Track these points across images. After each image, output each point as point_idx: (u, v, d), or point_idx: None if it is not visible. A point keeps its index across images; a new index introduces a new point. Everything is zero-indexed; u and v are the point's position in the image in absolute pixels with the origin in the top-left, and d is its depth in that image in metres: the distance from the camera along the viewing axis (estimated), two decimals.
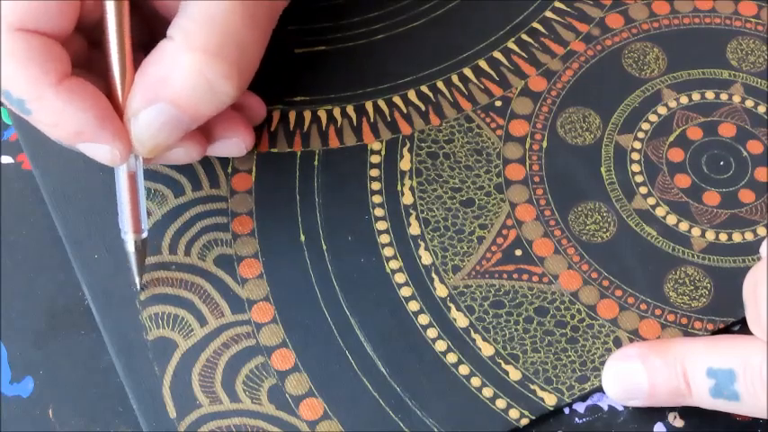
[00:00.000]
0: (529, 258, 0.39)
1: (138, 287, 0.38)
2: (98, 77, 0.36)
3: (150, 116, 0.35)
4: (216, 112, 0.36)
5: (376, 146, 0.41)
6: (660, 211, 0.40)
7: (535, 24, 0.44)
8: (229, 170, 0.41)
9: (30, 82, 0.34)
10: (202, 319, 0.38)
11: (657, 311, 0.38)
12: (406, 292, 0.38)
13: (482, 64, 0.43)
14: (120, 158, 0.35)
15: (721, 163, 0.41)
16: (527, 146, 0.42)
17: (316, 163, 0.41)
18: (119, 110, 0.35)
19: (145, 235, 0.38)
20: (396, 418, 0.36)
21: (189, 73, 0.34)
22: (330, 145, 0.41)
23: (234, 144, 0.39)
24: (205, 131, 0.38)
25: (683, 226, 0.40)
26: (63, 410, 0.37)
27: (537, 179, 0.41)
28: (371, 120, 0.42)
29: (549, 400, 0.37)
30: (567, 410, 0.37)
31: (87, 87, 0.35)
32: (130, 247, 0.37)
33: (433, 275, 0.39)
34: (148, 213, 0.40)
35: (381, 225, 0.40)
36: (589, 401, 0.37)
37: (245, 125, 0.39)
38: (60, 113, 0.34)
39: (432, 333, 0.38)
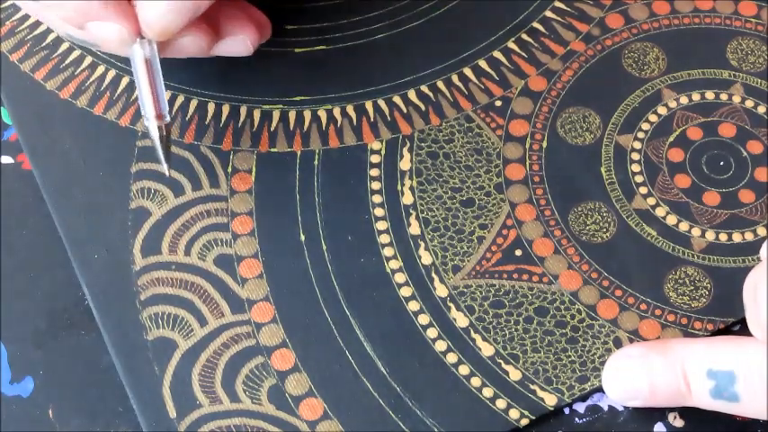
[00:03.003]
0: (529, 258, 0.39)
1: (168, 174, 0.39)
2: None
3: None
4: None
5: (376, 146, 0.41)
6: (660, 211, 0.40)
7: (535, 24, 0.44)
8: (229, 170, 0.41)
9: None
10: (202, 319, 0.38)
11: (657, 311, 0.38)
12: (406, 292, 0.38)
13: (482, 64, 0.43)
14: (130, 37, 0.36)
15: (721, 163, 0.41)
16: (527, 146, 0.42)
17: (316, 163, 0.41)
18: None
19: (167, 119, 0.38)
20: (396, 418, 0.36)
21: None
22: (330, 145, 0.41)
23: (241, 41, 0.39)
24: (214, 28, 0.39)
25: (683, 226, 0.40)
26: (63, 410, 0.37)
27: (537, 179, 0.41)
28: (371, 120, 0.42)
29: (549, 401, 0.37)
30: (567, 410, 0.37)
31: None
32: (154, 132, 0.38)
33: (433, 275, 0.39)
34: (148, 213, 0.40)
35: (381, 225, 0.40)
36: (589, 401, 0.37)
37: (252, 25, 0.40)
38: None
39: (432, 333, 0.38)
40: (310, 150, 0.41)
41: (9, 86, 0.42)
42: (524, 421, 0.36)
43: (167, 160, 0.38)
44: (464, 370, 0.37)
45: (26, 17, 0.44)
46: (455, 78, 0.43)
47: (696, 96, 0.43)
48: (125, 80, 0.43)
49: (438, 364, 0.37)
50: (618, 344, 0.38)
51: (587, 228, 0.40)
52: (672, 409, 0.37)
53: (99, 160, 0.41)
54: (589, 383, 0.37)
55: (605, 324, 0.38)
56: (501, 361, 0.37)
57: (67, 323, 0.38)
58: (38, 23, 0.44)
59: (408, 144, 0.42)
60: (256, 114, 0.42)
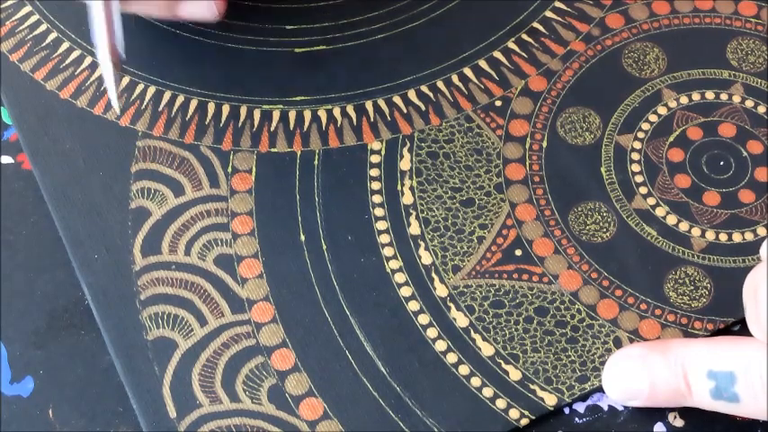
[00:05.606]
0: (529, 258, 0.39)
1: (118, 113, 0.41)
2: None
3: None
4: None
5: (376, 146, 0.41)
6: (660, 211, 0.40)
7: (535, 24, 0.44)
8: (229, 170, 0.41)
9: None
10: (202, 319, 0.38)
11: (657, 311, 0.38)
12: (406, 292, 0.38)
13: (482, 64, 0.43)
14: None
15: (721, 163, 0.41)
16: (527, 146, 0.42)
17: (316, 163, 0.41)
18: None
19: (123, 57, 0.38)
20: (396, 418, 0.36)
21: None
22: (330, 145, 0.41)
23: (206, 6, 0.40)
24: None
25: (683, 226, 0.40)
26: (63, 410, 0.37)
27: (537, 179, 0.41)
28: (371, 119, 0.42)
29: (549, 400, 0.37)
30: (567, 410, 0.37)
31: None
32: (107, 71, 0.38)
33: (433, 275, 0.39)
34: (148, 213, 0.40)
35: (381, 225, 0.40)
36: (589, 401, 0.37)
37: None
38: None
39: (432, 333, 0.38)
40: (310, 150, 0.41)
41: (9, 86, 0.42)
42: (524, 421, 0.36)
43: (119, 98, 0.39)
44: (464, 370, 0.37)
45: (26, 17, 0.44)
46: (455, 78, 0.43)
47: (696, 96, 0.43)
48: (125, 81, 0.43)
49: (438, 363, 0.37)
50: (618, 344, 0.38)
51: (587, 228, 0.40)
52: (672, 409, 0.37)
53: (99, 160, 0.41)
54: (589, 383, 0.37)
55: (605, 324, 0.38)
56: (501, 361, 0.37)
57: (67, 323, 0.38)
58: (38, 24, 0.44)
59: (408, 144, 0.42)
60: (256, 114, 0.42)
